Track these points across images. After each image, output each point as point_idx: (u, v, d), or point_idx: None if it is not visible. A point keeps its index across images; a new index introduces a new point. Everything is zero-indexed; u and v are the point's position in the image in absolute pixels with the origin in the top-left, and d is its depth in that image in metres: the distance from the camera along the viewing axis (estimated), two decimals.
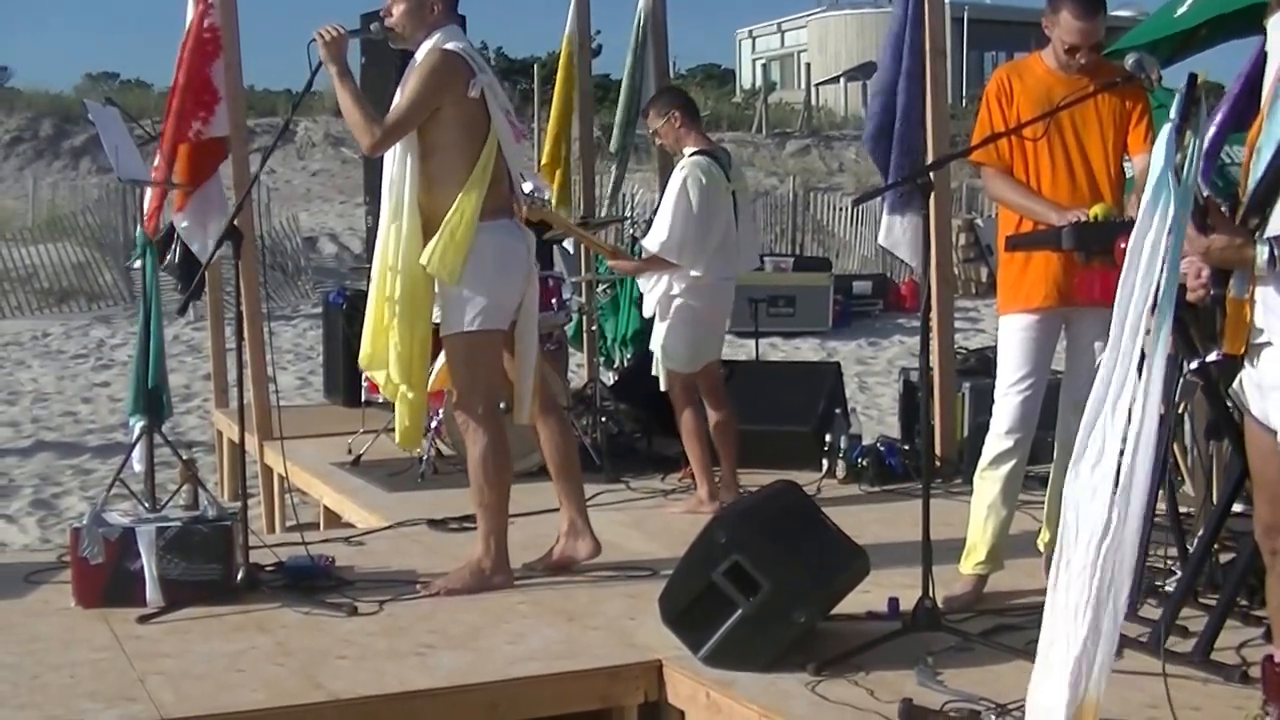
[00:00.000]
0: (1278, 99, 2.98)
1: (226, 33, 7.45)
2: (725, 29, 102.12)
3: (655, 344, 5.96)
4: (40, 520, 8.01)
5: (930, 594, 3.95)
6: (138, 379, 5.54)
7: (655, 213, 6.03)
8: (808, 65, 37.48)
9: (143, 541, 4.49)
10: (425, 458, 6.63)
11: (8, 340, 15.17)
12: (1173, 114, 2.88)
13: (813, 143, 30.46)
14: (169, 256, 8.87)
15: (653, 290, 5.89)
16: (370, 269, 5.00)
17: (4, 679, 3.86)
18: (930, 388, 6.44)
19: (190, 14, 7.57)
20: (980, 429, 4.89)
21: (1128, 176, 4.56)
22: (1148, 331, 2.81)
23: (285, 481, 6.86)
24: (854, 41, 41.06)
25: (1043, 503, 4.68)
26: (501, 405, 4.85)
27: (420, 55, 4.65)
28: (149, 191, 7.16)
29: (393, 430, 5.04)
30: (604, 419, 7.04)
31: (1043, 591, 4.50)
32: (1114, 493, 2.82)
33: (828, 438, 6.68)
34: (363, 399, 7.64)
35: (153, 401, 5.50)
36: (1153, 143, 4.19)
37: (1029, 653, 3.81)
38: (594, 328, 8.33)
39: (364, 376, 6.99)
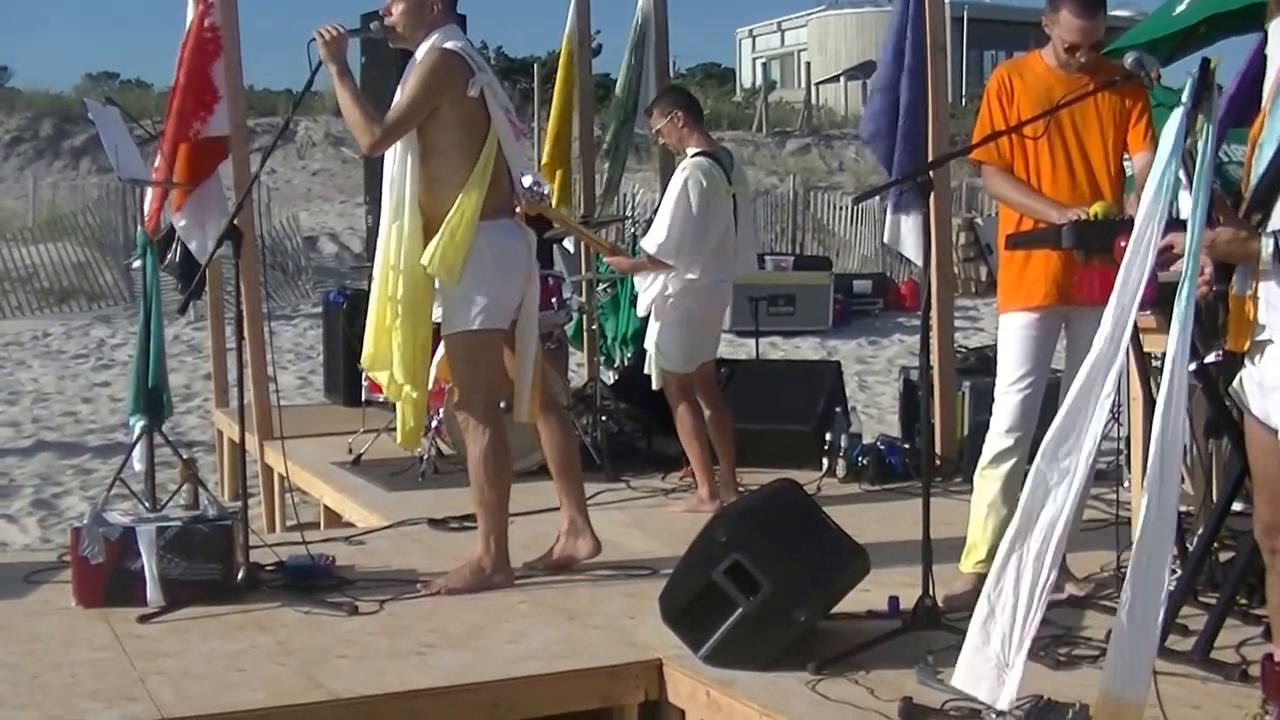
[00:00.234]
0: (1279, 97, 2.98)
1: (226, 32, 7.45)
2: (725, 28, 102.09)
3: (649, 343, 5.97)
4: (41, 520, 8.01)
5: (930, 593, 3.96)
6: (138, 379, 5.54)
7: (655, 213, 6.04)
8: (808, 64, 37.47)
9: (143, 541, 4.49)
10: (426, 457, 6.63)
11: (8, 340, 15.17)
12: (1185, 98, 2.88)
13: (813, 142, 30.45)
14: (169, 256, 8.89)
15: (648, 290, 5.89)
16: (371, 268, 5.00)
17: (4, 679, 3.86)
18: (930, 387, 6.44)
19: (190, 14, 7.58)
20: (980, 428, 4.89)
21: (1128, 175, 4.56)
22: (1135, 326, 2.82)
23: (286, 481, 6.86)
24: (854, 41, 41.06)
25: None
26: (502, 404, 4.86)
27: (420, 54, 4.65)
28: (150, 191, 7.17)
29: (393, 430, 5.05)
30: (604, 418, 7.04)
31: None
32: (1085, 481, 2.86)
33: (828, 437, 6.68)
34: (363, 398, 7.64)
35: (153, 401, 5.50)
36: (1153, 141, 4.21)
37: (1031, 652, 3.84)
38: (594, 327, 8.34)
39: (364, 376, 7.00)
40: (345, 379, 8.42)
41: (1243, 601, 4.03)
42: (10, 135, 27.41)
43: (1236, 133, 5.39)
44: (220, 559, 4.57)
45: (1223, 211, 2.93)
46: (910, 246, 6.83)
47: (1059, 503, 2.87)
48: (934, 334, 6.52)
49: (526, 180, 4.95)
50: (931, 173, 4.47)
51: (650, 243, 5.78)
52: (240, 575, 4.61)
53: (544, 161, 8.83)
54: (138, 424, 5.55)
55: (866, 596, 4.29)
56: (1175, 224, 2.95)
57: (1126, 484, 4.96)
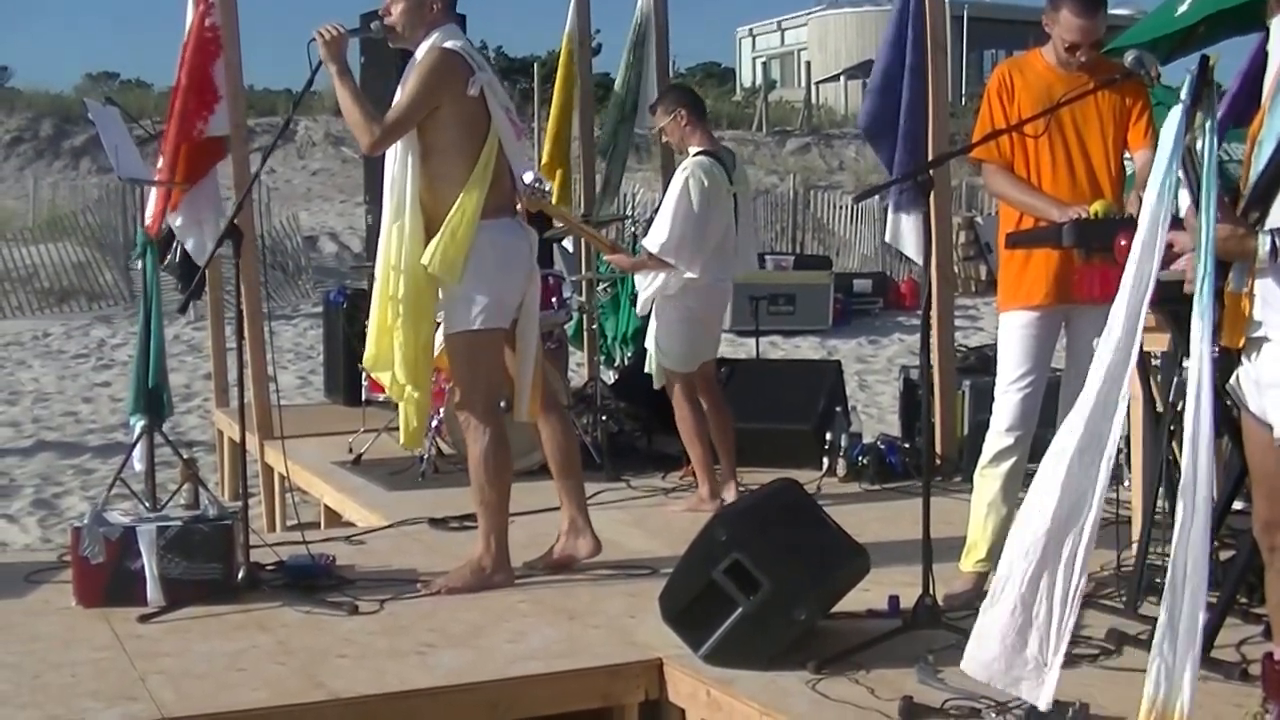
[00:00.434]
0: (1279, 95, 2.98)
1: (226, 32, 7.45)
2: (725, 27, 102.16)
3: (650, 342, 5.97)
4: (41, 520, 8.01)
5: (931, 592, 3.95)
6: (138, 378, 5.54)
7: (656, 212, 6.04)
8: (808, 63, 37.46)
9: (143, 541, 4.49)
10: (426, 456, 6.63)
11: (8, 340, 15.17)
12: (1183, 95, 2.88)
13: (813, 141, 30.44)
14: (169, 256, 8.89)
15: (648, 288, 5.89)
16: (371, 268, 5.00)
17: (5, 678, 3.86)
18: (930, 386, 6.44)
19: (190, 14, 7.58)
20: (980, 427, 4.89)
21: (1128, 173, 4.56)
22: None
23: (286, 481, 6.86)
24: (854, 40, 41.06)
25: None
26: (502, 404, 4.86)
27: (419, 54, 4.65)
28: (154, 192, 7.18)
29: (394, 429, 5.05)
30: (604, 417, 7.04)
31: None
32: (1102, 484, 2.88)
33: (828, 436, 6.68)
34: (363, 398, 7.64)
35: (153, 401, 5.50)
36: (1154, 138, 4.20)
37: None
38: (594, 326, 8.34)
39: (364, 375, 6.99)
40: (345, 378, 8.42)
41: (1243, 600, 4.03)
42: (10, 135, 27.40)
43: (1238, 132, 5.39)
44: (220, 559, 4.56)
45: (1220, 209, 2.93)
46: (910, 245, 6.84)
47: (1089, 506, 2.91)
48: (934, 333, 6.52)
49: (528, 177, 4.94)
50: (931, 171, 4.46)
51: (651, 241, 5.78)
52: (240, 575, 4.61)
53: (544, 161, 8.83)
54: (138, 424, 5.55)
55: (866, 596, 4.29)
56: (1173, 222, 2.95)
57: (1127, 484, 4.96)
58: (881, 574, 4.37)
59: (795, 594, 3.85)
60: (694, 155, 5.89)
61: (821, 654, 3.80)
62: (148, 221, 7.64)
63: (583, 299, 7.72)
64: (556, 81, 8.94)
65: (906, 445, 6.71)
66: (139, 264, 5.91)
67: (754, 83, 40.89)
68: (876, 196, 9.71)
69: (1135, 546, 4.32)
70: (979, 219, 19.47)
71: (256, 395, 7.40)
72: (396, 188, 4.66)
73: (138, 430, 5.54)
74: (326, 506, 6.73)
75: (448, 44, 4.61)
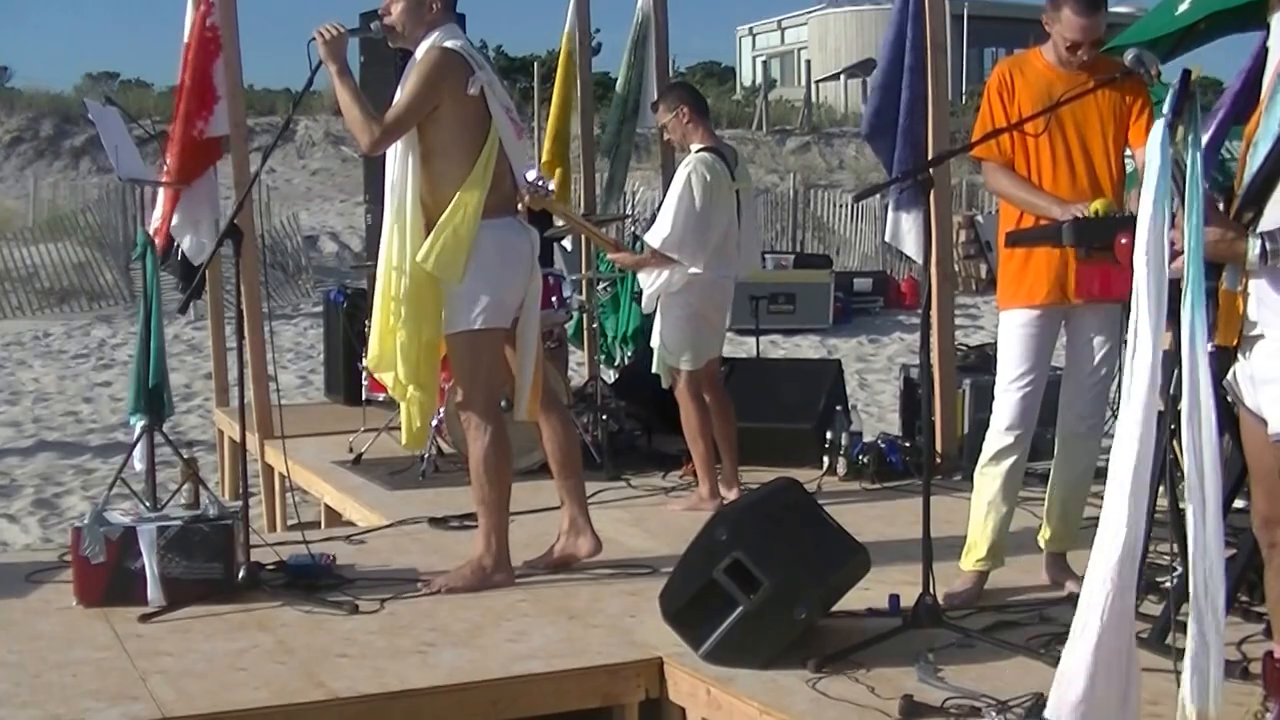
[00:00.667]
0: (1276, 94, 2.98)
1: (225, 31, 7.44)
2: (725, 26, 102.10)
3: (655, 340, 5.97)
4: (42, 520, 8.01)
5: (931, 590, 3.95)
6: (138, 378, 5.53)
7: (659, 209, 6.04)
8: (808, 62, 37.44)
9: (144, 540, 4.49)
10: (426, 456, 6.63)
11: (9, 340, 15.18)
12: (1165, 109, 2.87)
13: (813, 140, 30.44)
14: (169, 256, 8.88)
15: (652, 286, 5.89)
16: (371, 267, 5.00)
17: (6, 678, 3.87)
18: (931, 384, 6.43)
19: (190, 14, 7.58)
20: (981, 425, 4.89)
21: (1129, 172, 4.56)
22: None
23: (286, 480, 6.86)
24: (854, 38, 41.05)
25: (1043, 499, 4.68)
26: (503, 403, 4.86)
27: (419, 54, 4.65)
28: (158, 193, 7.18)
29: (394, 429, 5.04)
30: (605, 416, 7.04)
31: (1043, 588, 4.56)
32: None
33: (828, 435, 6.67)
34: (363, 397, 7.63)
35: (153, 401, 5.49)
36: None
37: (1030, 649, 3.84)
38: (594, 325, 8.34)
39: (364, 375, 6.99)
40: (346, 378, 8.41)
41: (1243, 599, 4.03)
42: (10, 135, 27.41)
43: (1239, 130, 5.38)
44: (221, 558, 4.57)
45: (1210, 211, 2.92)
46: (911, 244, 6.83)
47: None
48: (934, 332, 6.51)
49: (530, 174, 4.94)
50: (932, 170, 4.46)
51: (654, 236, 5.78)
52: (241, 574, 4.61)
53: (544, 160, 8.82)
54: (138, 423, 5.55)
55: (867, 594, 4.29)
56: (1172, 221, 2.94)
57: None
58: (882, 573, 4.38)
59: (795, 593, 3.85)
60: (696, 152, 5.89)
61: (822, 653, 3.80)
62: (155, 224, 7.66)
63: (583, 298, 7.72)
64: (556, 80, 8.94)
65: (907, 444, 6.71)
66: (139, 264, 5.91)
67: (754, 82, 40.87)
68: (877, 195, 9.70)
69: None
70: (979, 217, 19.46)
71: (257, 395, 7.40)
72: (397, 188, 4.66)
73: (138, 430, 5.54)
74: (327, 506, 6.73)
75: (447, 43, 4.61)
